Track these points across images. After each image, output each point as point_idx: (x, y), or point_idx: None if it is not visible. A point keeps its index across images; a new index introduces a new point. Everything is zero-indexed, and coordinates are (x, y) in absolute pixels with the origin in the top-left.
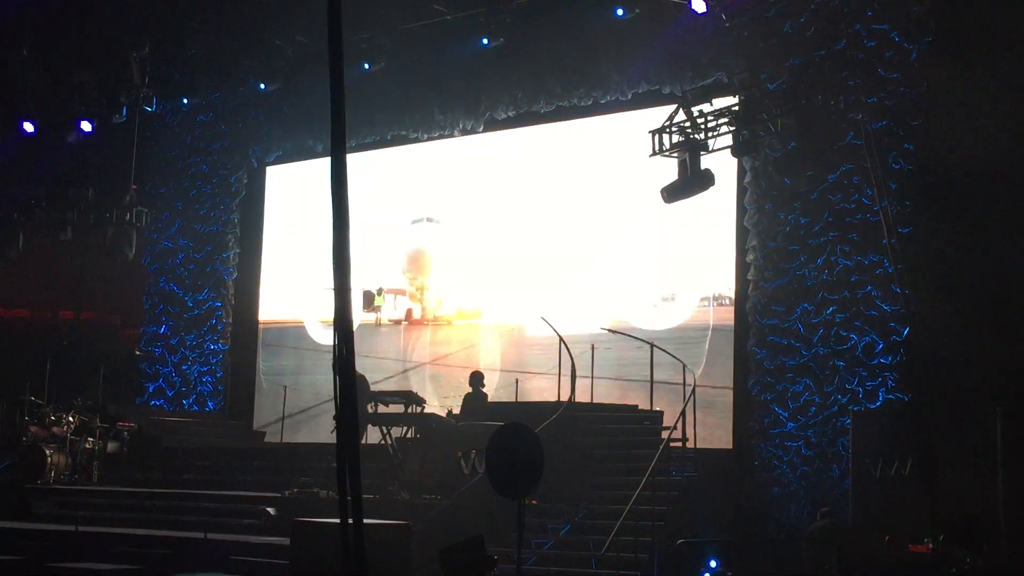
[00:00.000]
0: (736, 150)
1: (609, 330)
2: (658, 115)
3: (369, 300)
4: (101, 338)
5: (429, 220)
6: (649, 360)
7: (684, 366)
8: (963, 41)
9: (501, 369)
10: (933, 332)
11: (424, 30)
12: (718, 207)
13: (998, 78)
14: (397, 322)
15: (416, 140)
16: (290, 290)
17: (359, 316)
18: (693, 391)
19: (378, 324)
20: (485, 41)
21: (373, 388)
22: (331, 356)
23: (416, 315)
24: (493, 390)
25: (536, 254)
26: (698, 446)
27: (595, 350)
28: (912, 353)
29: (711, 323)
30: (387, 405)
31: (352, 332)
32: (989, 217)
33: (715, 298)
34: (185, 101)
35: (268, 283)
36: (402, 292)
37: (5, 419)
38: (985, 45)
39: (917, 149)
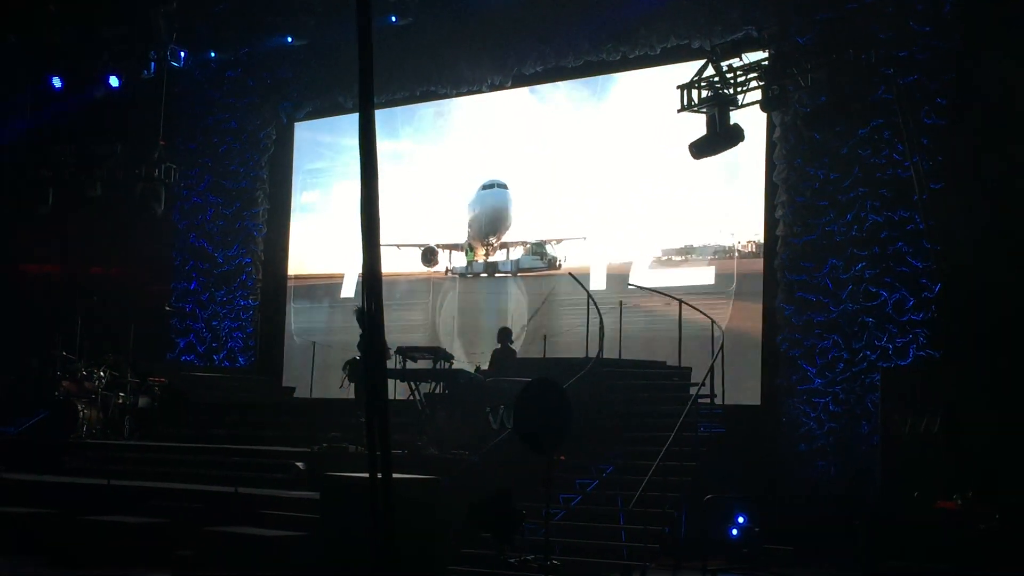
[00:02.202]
0: (765, 105)
1: (637, 286)
2: (687, 70)
3: (429, 256)
4: (131, 294)
5: (500, 185)
6: (677, 315)
7: (712, 322)
8: None
9: (528, 325)
10: (965, 288)
11: None
12: (747, 163)
13: None
14: (473, 275)
15: (445, 96)
16: (320, 245)
17: (384, 270)
18: (721, 347)
19: (472, 275)
20: None
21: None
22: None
23: (505, 268)
24: (521, 346)
25: (563, 210)
26: (726, 402)
27: (623, 306)
28: (943, 310)
29: (735, 277)
30: (415, 361)
31: (380, 287)
32: (1023, 172)
33: (740, 252)
34: (213, 55)
35: (297, 239)
36: (458, 248)
37: (37, 374)
38: None
39: (949, 103)
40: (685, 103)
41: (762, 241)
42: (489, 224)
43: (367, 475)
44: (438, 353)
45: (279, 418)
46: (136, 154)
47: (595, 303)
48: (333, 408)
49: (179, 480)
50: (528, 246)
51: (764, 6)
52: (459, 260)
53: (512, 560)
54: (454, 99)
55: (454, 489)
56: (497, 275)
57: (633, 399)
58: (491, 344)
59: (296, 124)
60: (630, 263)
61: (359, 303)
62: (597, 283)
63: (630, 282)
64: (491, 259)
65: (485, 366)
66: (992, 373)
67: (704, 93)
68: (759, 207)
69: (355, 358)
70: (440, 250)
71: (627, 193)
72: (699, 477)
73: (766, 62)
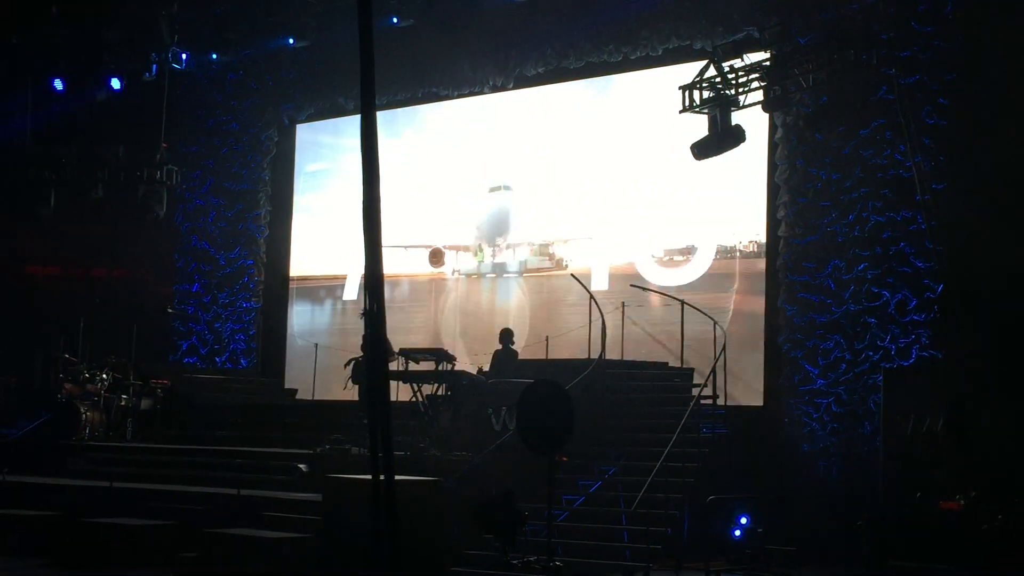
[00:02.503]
0: (767, 106)
1: (640, 287)
2: (688, 71)
3: (436, 257)
4: (134, 296)
5: (506, 188)
6: (680, 316)
7: (715, 323)
8: None
9: (531, 326)
10: (968, 289)
11: None
12: (749, 163)
13: None
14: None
15: (447, 97)
16: (322, 248)
17: (381, 270)
18: (723, 348)
19: (478, 275)
20: None
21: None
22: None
23: (512, 269)
24: (523, 347)
25: (565, 211)
26: (728, 403)
27: (625, 307)
28: (946, 310)
29: (737, 278)
30: (417, 363)
31: (383, 288)
32: None
33: (742, 252)
34: (214, 57)
35: (299, 241)
36: (464, 249)
37: (40, 376)
38: None
39: (951, 104)
40: (687, 104)
41: (764, 242)
42: (496, 225)
43: (369, 477)
44: (440, 355)
45: (281, 420)
46: (138, 156)
47: (597, 304)
48: (335, 410)
49: (181, 482)
50: (534, 247)
51: (765, 7)
52: (465, 261)
53: (515, 561)
54: (456, 100)
55: (456, 490)
56: (505, 275)
57: (635, 400)
58: (493, 345)
59: (298, 126)
60: (632, 264)
61: (362, 304)
62: (599, 284)
63: (631, 283)
64: (498, 260)
65: (487, 367)
66: (995, 373)
67: (706, 94)
68: (761, 208)
69: (358, 358)
70: (446, 251)
71: (629, 194)
72: (701, 478)
73: (767, 63)
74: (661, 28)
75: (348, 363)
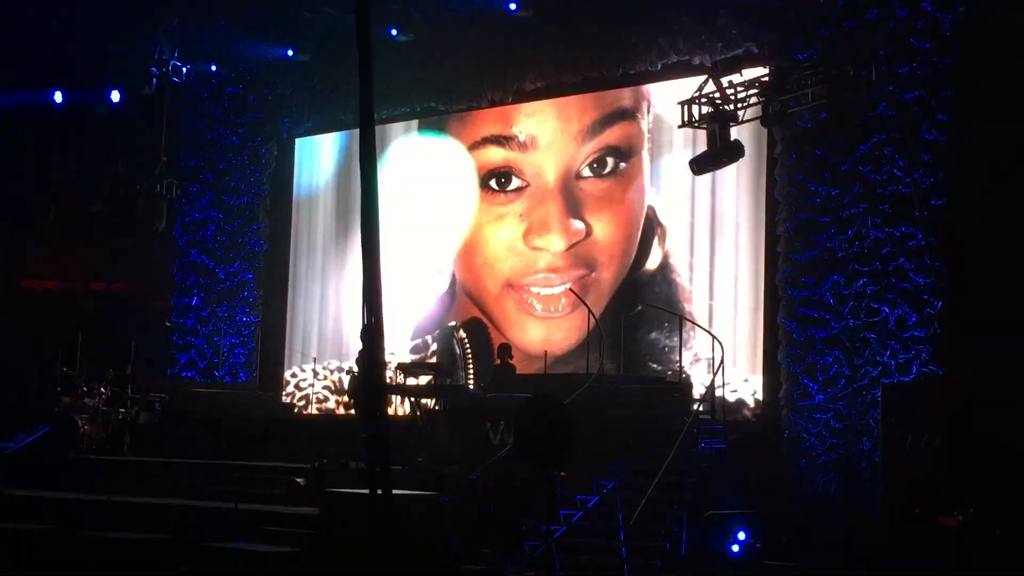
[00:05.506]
0: (766, 121)
1: (638, 301)
2: (687, 86)
3: None
4: (132, 310)
5: None
6: (678, 331)
7: (713, 338)
8: (996, 10)
9: (529, 341)
10: (967, 304)
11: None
12: (747, 178)
13: None
14: None
15: (444, 112)
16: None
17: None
18: (722, 362)
19: None
20: (513, 7)
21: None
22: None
23: None
24: (521, 362)
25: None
26: (727, 418)
27: (624, 320)
28: (946, 326)
29: (736, 293)
30: (416, 377)
31: (381, 302)
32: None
33: (741, 267)
34: (214, 70)
35: (298, 255)
36: None
37: (37, 390)
38: (1018, 13)
39: (950, 120)
40: (686, 119)
41: (763, 257)
42: None
43: (367, 491)
44: (439, 369)
45: (280, 434)
46: (137, 170)
47: (596, 318)
48: (333, 424)
49: (179, 496)
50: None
51: (764, 22)
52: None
53: None
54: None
55: (454, 505)
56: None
57: (634, 415)
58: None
59: (297, 140)
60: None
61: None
62: (597, 299)
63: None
64: None
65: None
66: (995, 389)
67: (705, 109)
68: (760, 223)
69: (354, 372)
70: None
71: None
72: (700, 493)
73: (766, 78)
74: (660, 43)
75: (347, 373)
